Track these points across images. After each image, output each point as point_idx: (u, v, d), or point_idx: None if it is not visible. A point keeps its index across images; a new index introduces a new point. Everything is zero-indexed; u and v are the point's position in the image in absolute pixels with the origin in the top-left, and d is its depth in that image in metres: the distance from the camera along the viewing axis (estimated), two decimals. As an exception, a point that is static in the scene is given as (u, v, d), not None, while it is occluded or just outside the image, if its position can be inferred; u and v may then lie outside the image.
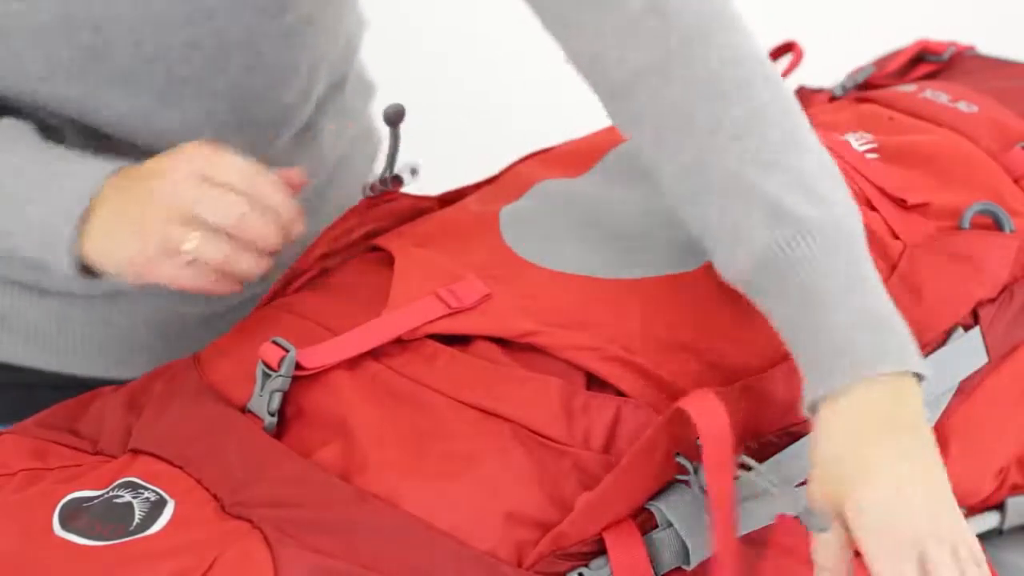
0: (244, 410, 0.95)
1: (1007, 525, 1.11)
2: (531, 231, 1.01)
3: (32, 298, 1.18)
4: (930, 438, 0.88)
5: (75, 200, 0.98)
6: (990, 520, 1.10)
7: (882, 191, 1.03)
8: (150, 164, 0.99)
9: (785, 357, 0.93)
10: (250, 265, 0.98)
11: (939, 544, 0.85)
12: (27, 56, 1.03)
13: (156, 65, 1.07)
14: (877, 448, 0.86)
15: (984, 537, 1.10)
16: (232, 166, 0.97)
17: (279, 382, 0.93)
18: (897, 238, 1.01)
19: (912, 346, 0.88)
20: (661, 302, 0.95)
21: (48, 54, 1.03)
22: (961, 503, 1.03)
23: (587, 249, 0.99)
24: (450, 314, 0.96)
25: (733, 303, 0.95)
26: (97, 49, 1.04)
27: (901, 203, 1.03)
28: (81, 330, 1.18)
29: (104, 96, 1.07)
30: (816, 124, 1.12)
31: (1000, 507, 1.10)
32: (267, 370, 0.94)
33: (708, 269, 0.96)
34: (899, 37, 1.31)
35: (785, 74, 1.24)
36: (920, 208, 1.03)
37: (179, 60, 1.07)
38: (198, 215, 0.95)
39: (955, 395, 1.00)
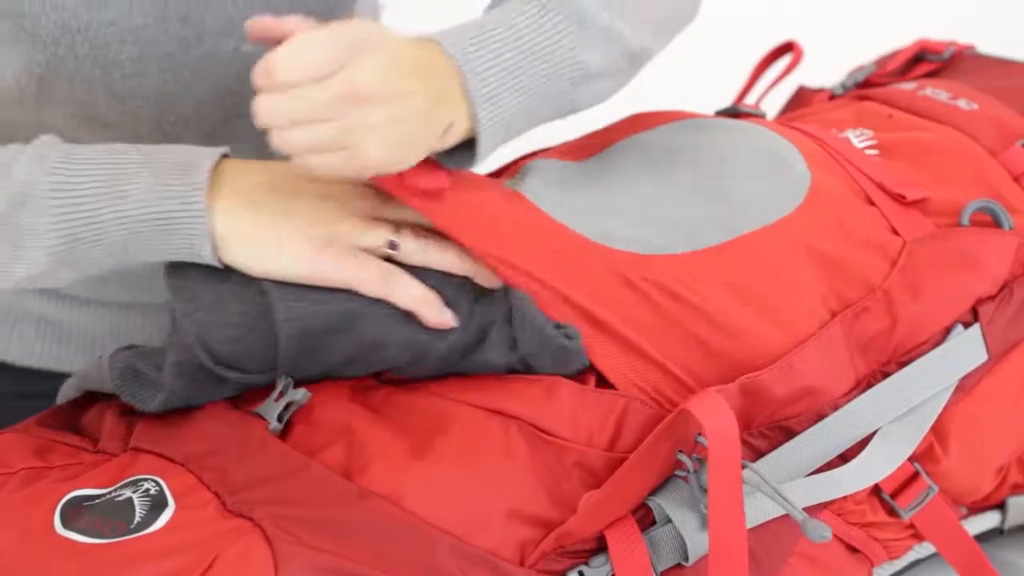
0: (251, 413, 0.95)
1: (1008, 524, 1.11)
2: (552, 193, 1.00)
3: (91, 310, 1.18)
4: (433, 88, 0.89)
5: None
6: (991, 519, 1.10)
7: (881, 187, 1.03)
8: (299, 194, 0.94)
9: (783, 353, 0.94)
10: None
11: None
12: (120, 56, 1.03)
13: (238, 49, 1.06)
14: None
15: (985, 536, 1.10)
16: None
17: (300, 394, 0.94)
18: (897, 234, 1.01)
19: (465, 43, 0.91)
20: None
21: (141, 52, 1.03)
22: (961, 501, 1.04)
23: (595, 220, 0.98)
24: None
25: (731, 294, 0.95)
26: (188, 39, 1.04)
27: (900, 199, 1.03)
28: (138, 338, 1.18)
29: (189, 83, 1.07)
30: (816, 121, 1.12)
31: (1001, 506, 1.10)
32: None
33: (711, 251, 0.97)
34: (899, 37, 1.31)
35: (785, 74, 1.24)
36: (919, 204, 1.03)
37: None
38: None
39: (955, 392, 1.00)
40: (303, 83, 0.85)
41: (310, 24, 0.87)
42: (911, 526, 1.01)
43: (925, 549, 1.05)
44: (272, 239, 0.92)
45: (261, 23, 0.87)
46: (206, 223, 0.92)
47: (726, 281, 0.96)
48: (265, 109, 0.86)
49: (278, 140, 0.87)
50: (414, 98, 0.87)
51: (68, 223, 0.93)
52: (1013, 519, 1.10)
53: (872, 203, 1.03)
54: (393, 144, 0.88)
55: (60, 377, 1.19)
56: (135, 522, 0.88)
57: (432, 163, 0.93)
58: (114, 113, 1.06)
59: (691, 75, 1.60)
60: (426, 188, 0.92)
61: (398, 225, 0.93)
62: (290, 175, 0.94)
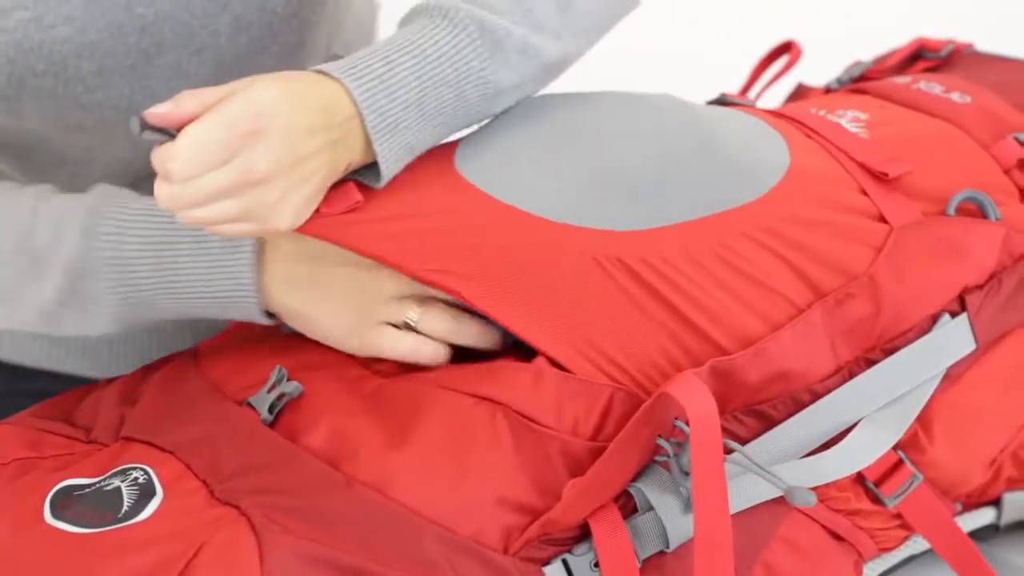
0: (242, 403, 0.96)
1: (1003, 521, 1.10)
2: (492, 158, 0.99)
3: None
4: (331, 129, 0.91)
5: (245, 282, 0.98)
6: (986, 516, 1.09)
7: (864, 167, 1.03)
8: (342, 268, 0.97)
9: (760, 338, 0.93)
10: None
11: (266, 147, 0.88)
12: (80, 71, 1.03)
13: (205, 55, 1.07)
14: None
15: (980, 534, 1.09)
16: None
17: (292, 386, 0.95)
18: (883, 220, 1.00)
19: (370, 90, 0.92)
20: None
21: (100, 66, 1.04)
22: (951, 493, 1.03)
23: (558, 187, 0.97)
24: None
25: (708, 275, 0.95)
26: (148, 50, 1.05)
27: (883, 176, 1.02)
28: (130, 339, 1.19)
29: (156, 93, 1.07)
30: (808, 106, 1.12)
31: (996, 503, 1.09)
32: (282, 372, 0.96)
33: (684, 228, 0.96)
34: (899, 37, 1.31)
35: (783, 72, 1.24)
36: (905, 189, 1.03)
37: (227, 45, 1.08)
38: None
39: (941, 381, 0.99)
40: (199, 175, 0.88)
41: (203, 101, 0.89)
42: (898, 516, 1.01)
43: (919, 544, 1.04)
44: (311, 316, 0.97)
45: (156, 112, 0.89)
46: (257, 300, 0.97)
47: (702, 261, 0.95)
48: (165, 197, 0.89)
49: (183, 218, 0.90)
50: (313, 160, 0.91)
51: (123, 295, 0.99)
52: (1009, 515, 1.10)
53: (858, 186, 1.02)
54: (299, 206, 0.91)
55: (51, 376, 1.20)
56: (123, 511, 0.88)
57: (338, 186, 0.95)
58: (89, 122, 1.07)
59: (690, 74, 1.60)
60: (343, 210, 0.94)
61: (423, 301, 0.96)
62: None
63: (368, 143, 0.92)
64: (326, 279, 0.97)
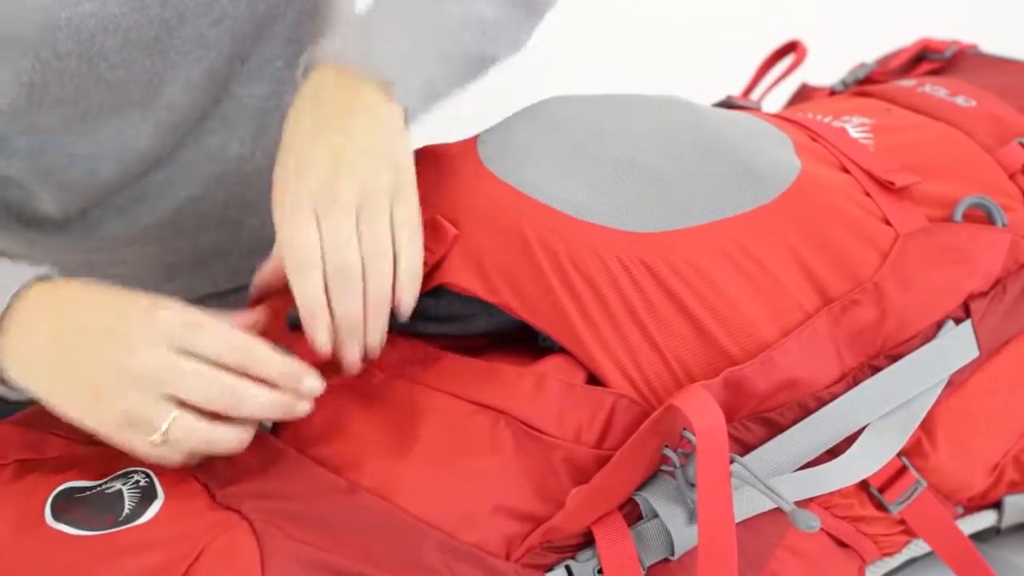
0: None
1: (1004, 524, 1.10)
2: (516, 155, 1.00)
3: None
4: (377, 120, 0.94)
5: None
6: (987, 519, 1.09)
7: (870, 174, 1.03)
8: (97, 315, 0.90)
9: (766, 346, 0.93)
10: (232, 440, 0.89)
11: (330, 207, 0.91)
12: (104, 46, 1.03)
13: (224, 24, 1.07)
14: (307, 115, 0.94)
15: (982, 536, 1.10)
16: (214, 337, 0.88)
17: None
18: (889, 226, 1.00)
19: (405, 82, 0.95)
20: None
21: (124, 40, 1.04)
22: (955, 498, 1.03)
23: (581, 185, 0.97)
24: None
25: (723, 279, 0.94)
26: (169, 22, 1.05)
27: (889, 185, 1.02)
28: None
29: (177, 65, 1.08)
30: (813, 110, 1.12)
31: (997, 505, 1.09)
32: None
33: (697, 232, 0.96)
34: (904, 37, 1.31)
35: (788, 72, 1.24)
36: (912, 195, 1.02)
37: (246, 13, 1.08)
38: (174, 395, 0.87)
39: (944, 387, 0.99)
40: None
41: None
42: (902, 521, 1.01)
43: (921, 547, 1.04)
44: (58, 409, 0.90)
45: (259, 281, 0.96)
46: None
47: (718, 264, 0.94)
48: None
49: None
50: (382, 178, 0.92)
51: None
52: (1009, 518, 1.10)
53: (865, 193, 1.02)
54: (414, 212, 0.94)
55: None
56: (124, 514, 0.88)
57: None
58: (107, 104, 1.07)
59: (695, 73, 1.60)
60: (446, 250, 0.97)
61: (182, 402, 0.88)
62: (79, 325, 0.90)
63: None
64: (68, 359, 0.89)
